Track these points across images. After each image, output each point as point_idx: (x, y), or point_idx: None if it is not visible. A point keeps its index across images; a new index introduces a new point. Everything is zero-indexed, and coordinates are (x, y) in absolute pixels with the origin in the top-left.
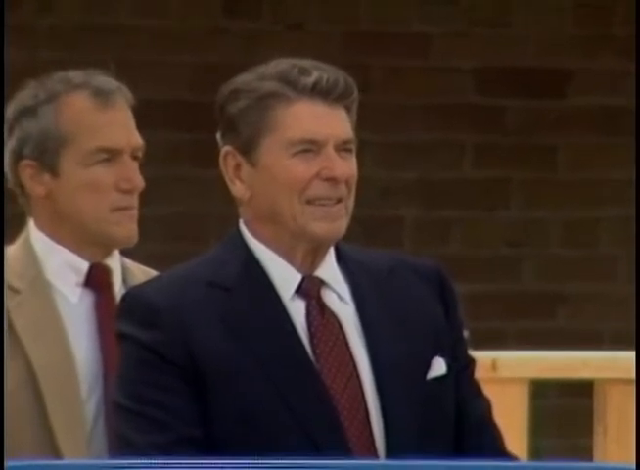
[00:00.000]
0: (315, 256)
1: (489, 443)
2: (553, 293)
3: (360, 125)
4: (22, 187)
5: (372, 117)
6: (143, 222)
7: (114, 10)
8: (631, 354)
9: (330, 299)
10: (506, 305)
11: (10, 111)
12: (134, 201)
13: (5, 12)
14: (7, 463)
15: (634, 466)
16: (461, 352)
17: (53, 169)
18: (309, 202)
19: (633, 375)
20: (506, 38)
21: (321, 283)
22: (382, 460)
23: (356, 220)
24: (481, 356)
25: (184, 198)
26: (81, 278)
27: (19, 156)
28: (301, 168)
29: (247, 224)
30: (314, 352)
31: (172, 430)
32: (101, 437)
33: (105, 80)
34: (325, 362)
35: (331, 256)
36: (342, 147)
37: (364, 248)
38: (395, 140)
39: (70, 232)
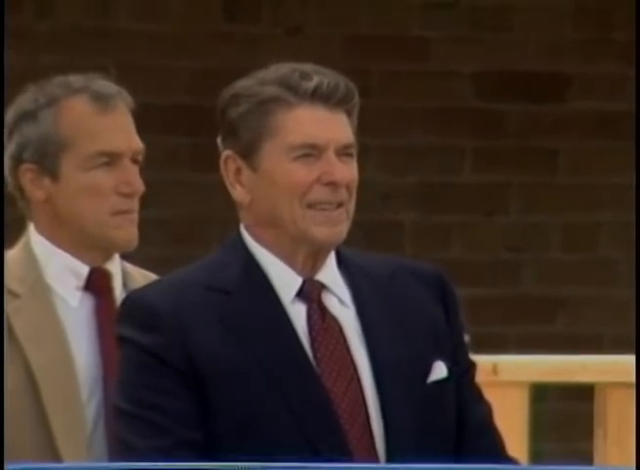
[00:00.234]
0: (316, 259)
1: (490, 446)
2: (553, 297)
3: (361, 130)
4: (21, 191)
5: (372, 121)
6: (143, 226)
7: (114, 14)
8: (631, 358)
9: (330, 302)
10: (506, 310)
11: (10, 115)
12: (134, 205)
13: (5, 16)
14: (7, 466)
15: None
16: (462, 356)
17: (53, 173)
18: (310, 206)
19: (633, 379)
20: (506, 43)
21: (322, 287)
22: (382, 464)
23: (357, 225)
24: (482, 360)
25: (184, 202)
26: (81, 282)
27: (19, 160)
28: (302, 173)
29: (247, 228)
30: (315, 355)
31: (172, 434)
32: (101, 440)
33: (104, 84)
34: (326, 366)
35: (331, 259)
36: (342, 151)
37: (365, 252)
38: (396, 144)
39: (70, 236)
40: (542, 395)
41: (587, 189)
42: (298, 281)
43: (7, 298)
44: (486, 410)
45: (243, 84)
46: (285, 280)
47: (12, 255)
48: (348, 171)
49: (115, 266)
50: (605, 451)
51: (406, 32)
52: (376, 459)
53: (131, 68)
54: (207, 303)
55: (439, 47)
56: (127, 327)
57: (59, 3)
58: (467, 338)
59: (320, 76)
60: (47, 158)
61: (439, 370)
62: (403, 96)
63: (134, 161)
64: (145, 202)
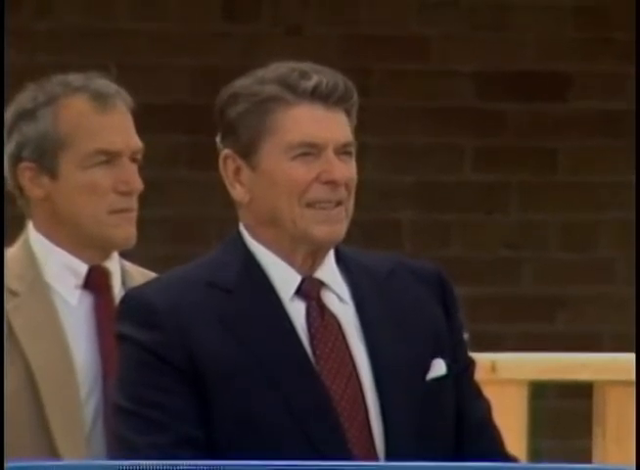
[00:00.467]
0: (315, 258)
1: (489, 444)
2: (552, 295)
3: (360, 129)
4: (21, 189)
5: (371, 120)
6: (143, 225)
7: (114, 13)
8: (631, 356)
9: (330, 300)
10: (505, 308)
11: (9, 113)
12: (133, 203)
13: (4, 15)
14: (7, 464)
15: (634, 468)
16: (461, 353)
17: (52, 172)
18: (309, 205)
19: (633, 377)
20: (506, 42)
21: (321, 284)
22: (381, 462)
23: (356, 223)
24: (481, 358)
25: (183, 200)
26: (80, 280)
27: (18, 158)
28: (301, 172)
29: (247, 227)
30: (314, 353)
31: (172, 431)
32: (100, 438)
33: (104, 83)
34: (325, 363)
35: (330, 257)
36: (341, 150)
37: (364, 250)
38: (395, 143)
39: (69, 234)
40: (541, 392)
41: (587, 188)
42: (298, 279)
43: (6, 296)
44: (485, 408)
45: (242, 83)
46: (284, 278)
47: (11, 253)
48: (347, 170)
49: (114, 265)
50: (604, 449)
51: (406, 32)
52: (375, 457)
53: (131, 67)
54: (207, 301)
55: (439, 46)
56: (126, 325)
57: (58, 2)
58: (466, 336)
59: (319, 75)
60: (46, 156)
61: (439, 368)
62: (403, 95)
63: (133, 159)
64: (145, 200)
